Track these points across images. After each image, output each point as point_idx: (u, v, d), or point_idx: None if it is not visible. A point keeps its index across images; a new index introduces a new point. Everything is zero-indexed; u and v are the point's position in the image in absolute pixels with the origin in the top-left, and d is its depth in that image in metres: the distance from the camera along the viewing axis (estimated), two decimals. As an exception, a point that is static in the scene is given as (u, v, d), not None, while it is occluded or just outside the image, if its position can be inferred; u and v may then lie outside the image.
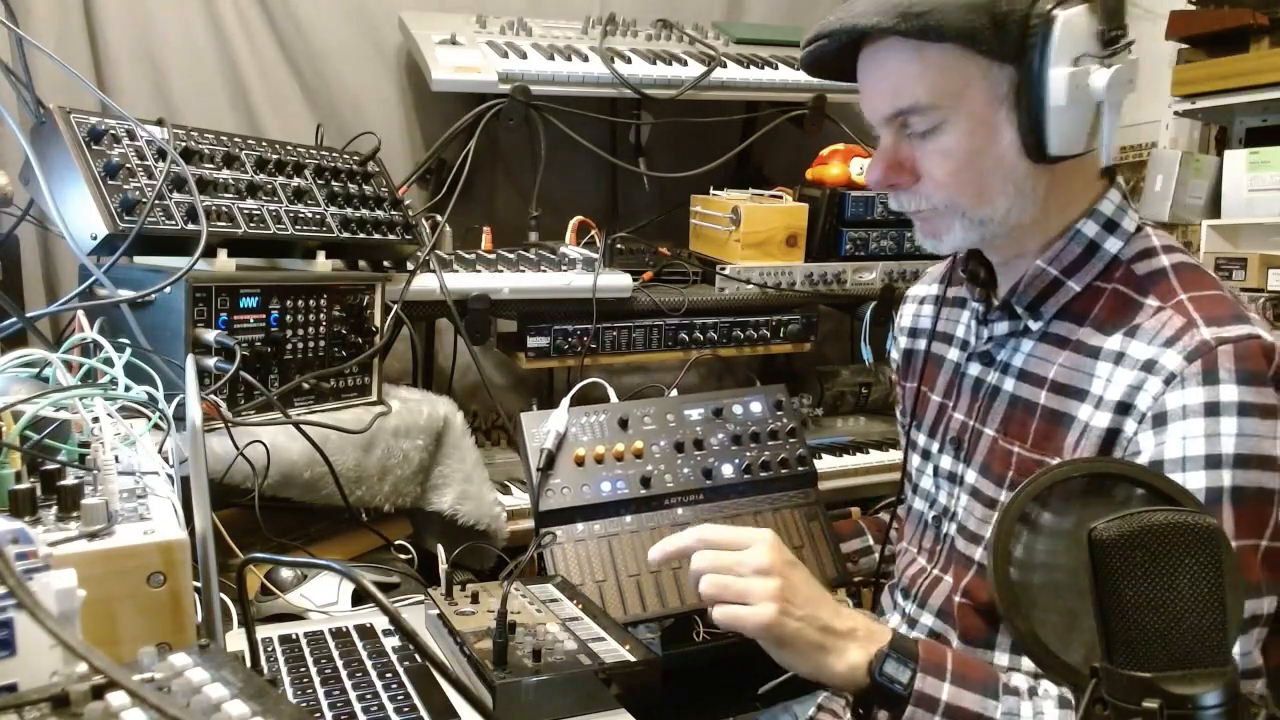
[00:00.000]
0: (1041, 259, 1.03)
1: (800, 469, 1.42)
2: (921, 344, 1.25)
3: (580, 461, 1.35)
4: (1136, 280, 1.00)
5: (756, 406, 1.46)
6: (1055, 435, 1.01)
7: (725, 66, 2.10)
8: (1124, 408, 0.95)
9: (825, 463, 1.96)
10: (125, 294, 1.24)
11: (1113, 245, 1.02)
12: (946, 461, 1.16)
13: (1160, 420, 0.92)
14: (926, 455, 1.21)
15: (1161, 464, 0.91)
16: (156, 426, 1.01)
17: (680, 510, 1.35)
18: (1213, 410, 0.90)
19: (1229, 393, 0.90)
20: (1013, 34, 0.92)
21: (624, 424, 1.40)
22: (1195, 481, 0.89)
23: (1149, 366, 0.94)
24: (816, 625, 0.95)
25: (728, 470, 1.39)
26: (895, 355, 1.34)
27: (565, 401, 1.40)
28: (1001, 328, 1.09)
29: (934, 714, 0.91)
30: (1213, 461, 0.90)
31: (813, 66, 1.09)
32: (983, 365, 1.12)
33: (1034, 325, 1.06)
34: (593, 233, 2.04)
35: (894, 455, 2.01)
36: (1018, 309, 1.06)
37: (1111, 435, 0.96)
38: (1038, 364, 1.04)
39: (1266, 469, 0.90)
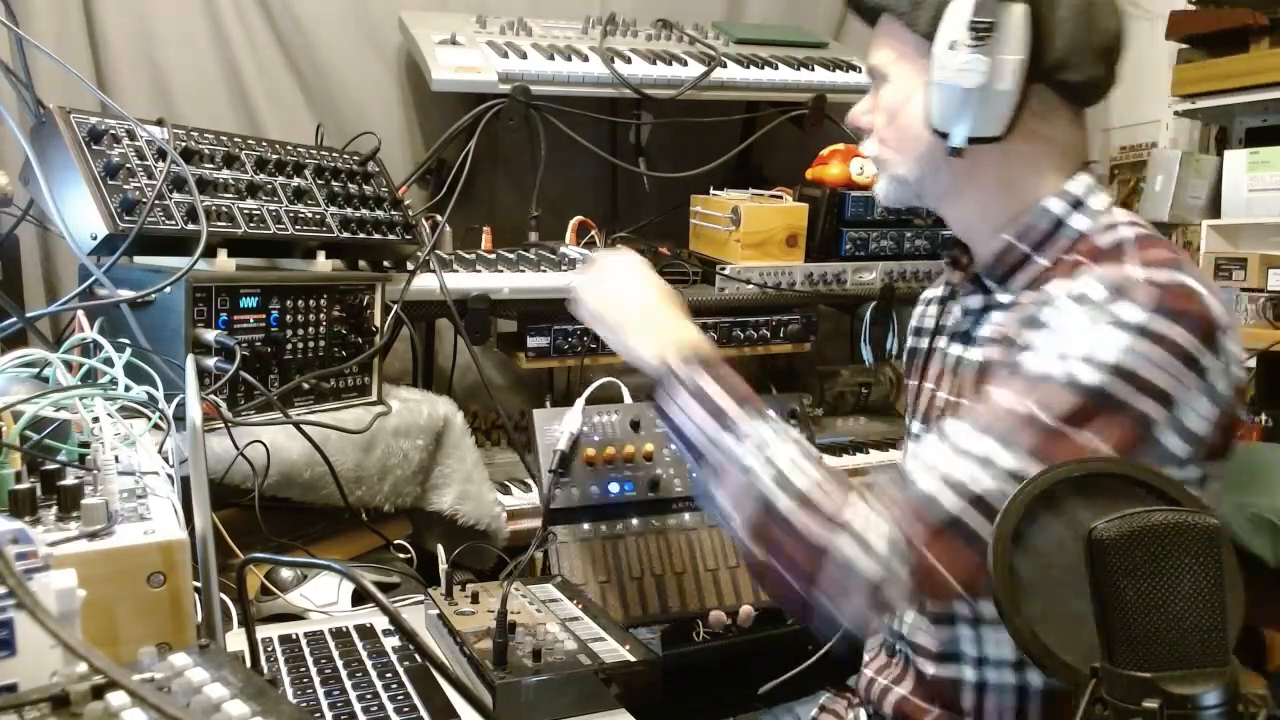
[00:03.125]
0: (1007, 232, 1.06)
1: None
2: (924, 342, 1.26)
3: (590, 461, 1.35)
4: (1096, 250, 1.01)
5: None
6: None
7: (725, 66, 2.10)
8: (1030, 321, 0.96)
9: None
10: (125, 294, 1.24)
11: (1079, 222, 1.04)
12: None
13: (1057, 316, 0.93)
14: (918, 440, 1.21)
15: (1035, 351, 0.92)
16: (156, 426, 1.01)
17: (687, 516, 1.34)
18: (1115, 322, 0.89)
19: (1134, 314, 0.89)
20: (927, 13, 1.01)
21: (636, 426, 1.39)
22: (1057, 367, 0.89)
23: (1070, 293, 0.94)
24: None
25: None
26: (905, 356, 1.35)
27: (580, 401, 1.40)
28: (974, 301, 1.11)
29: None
30: (1091, 360, 0.88)
31: None
32: (964, 345, 1.14)
33: (1004, 299, 1.07)
34: (593, 233, 2.03)
35: (895, 455, 2.00)
36: (988, 282, 1.08)
37: (1008, 342, 0.99)
38: (995, 329, 1.07)
39: (1142, 392, 0.88)
